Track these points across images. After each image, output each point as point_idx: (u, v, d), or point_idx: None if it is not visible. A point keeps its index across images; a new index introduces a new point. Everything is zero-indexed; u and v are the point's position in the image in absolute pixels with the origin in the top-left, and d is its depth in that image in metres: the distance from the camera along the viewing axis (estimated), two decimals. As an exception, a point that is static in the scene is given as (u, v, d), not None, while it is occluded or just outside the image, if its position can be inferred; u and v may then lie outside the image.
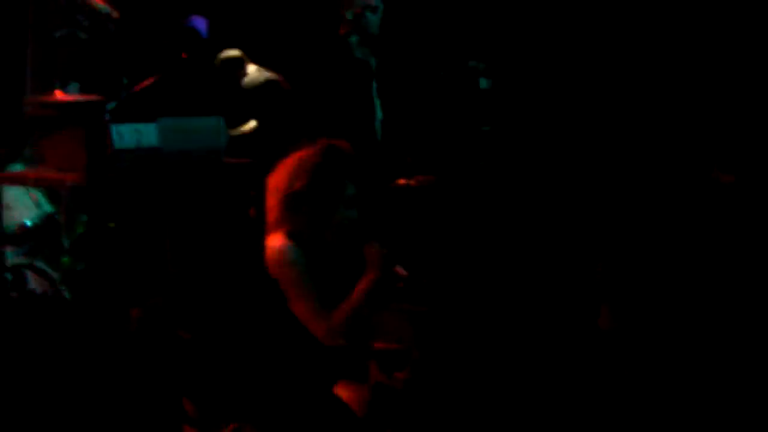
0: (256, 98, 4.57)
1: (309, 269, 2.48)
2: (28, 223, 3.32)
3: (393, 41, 4.59)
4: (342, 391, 2.49)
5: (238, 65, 4.69)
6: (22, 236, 3.36)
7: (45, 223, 3.21)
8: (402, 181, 4.30)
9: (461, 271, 3.96)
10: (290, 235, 2.50)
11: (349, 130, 4.18)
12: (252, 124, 4.51)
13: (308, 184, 2.47)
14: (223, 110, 3.71)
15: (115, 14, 4.25)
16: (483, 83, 4.64)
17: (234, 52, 4.70)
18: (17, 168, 3.33)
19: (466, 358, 2.81)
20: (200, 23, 4.58)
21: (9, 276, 3.17)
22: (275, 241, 2.50)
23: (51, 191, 3.26)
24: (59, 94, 3.88)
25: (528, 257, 4.02)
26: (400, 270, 3.22)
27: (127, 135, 3.10)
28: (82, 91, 4.07)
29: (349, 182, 2.70)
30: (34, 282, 3.19)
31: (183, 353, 2.65)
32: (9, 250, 3.26)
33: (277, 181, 2.56)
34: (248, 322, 2.85)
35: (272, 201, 2.59)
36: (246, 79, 4.67)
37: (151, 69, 4.28)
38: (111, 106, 3.24)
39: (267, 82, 4.62)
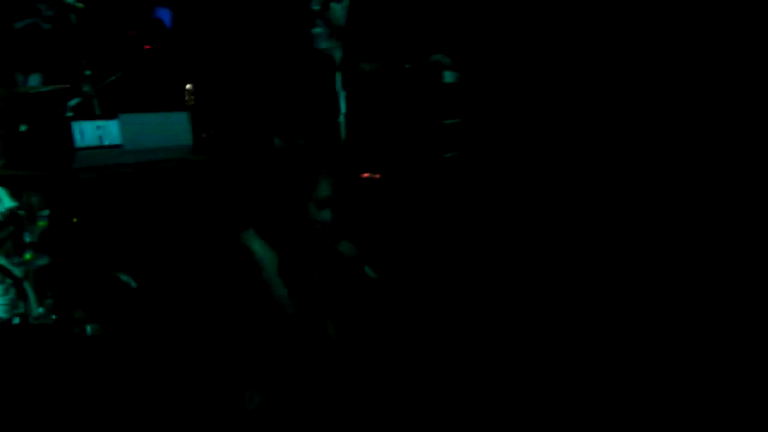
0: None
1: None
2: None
3: (358, 34, 4.60)
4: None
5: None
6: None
7: (7, 218, 3.20)
8: (366, 175, 4.36)
9: (423, 261, 4.06)
10: None
11: (312, 124, 4.22)
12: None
13: None
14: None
15: (78, 4, 4.19)
16: (448, 77, 4.69)
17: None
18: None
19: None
20: (164, 14, 4.55)
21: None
22: None
23: (12, 186, 3.26)
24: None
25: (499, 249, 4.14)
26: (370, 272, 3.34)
27: (89, 132, 3.10)
28: (45, 83, 4.04)
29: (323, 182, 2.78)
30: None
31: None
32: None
33: None
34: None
35: None
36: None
37: (114, 61, 4.25)
38: (73, 102, 3.23)
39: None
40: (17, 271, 3.20)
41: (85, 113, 3.26)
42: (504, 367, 3.05)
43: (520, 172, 4.61)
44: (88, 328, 3.18)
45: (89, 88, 3.92)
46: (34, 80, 4.18)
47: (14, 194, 3.29)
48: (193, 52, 4.60)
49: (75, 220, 3.67)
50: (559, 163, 4.58)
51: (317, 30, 4.39)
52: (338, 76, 4.42)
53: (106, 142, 3.07)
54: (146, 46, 4.29)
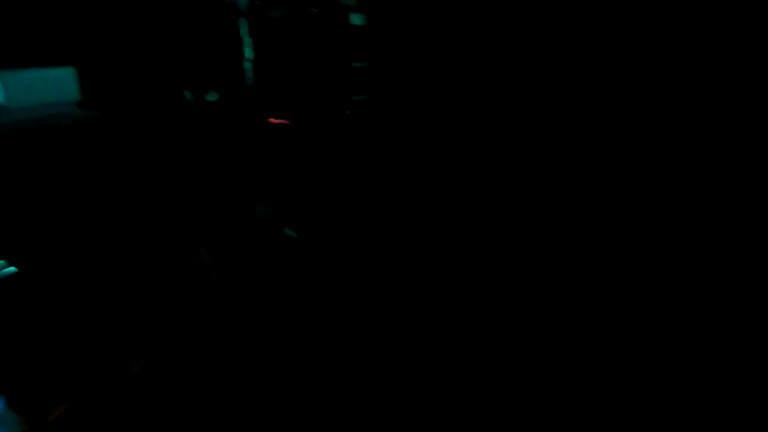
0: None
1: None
2: None
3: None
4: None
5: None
6: None
7: None
8: (275, 121, 4.41)
9: (337, 210, 4.16)
10: None
11: (216, 71, 4.21)
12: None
13: None
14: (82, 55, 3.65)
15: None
16: (355, 19, 4.68)
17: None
18: None
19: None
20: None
21: None
22: None
23: None
24: None
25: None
26: (289, 231, 3.41)
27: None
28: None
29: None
30: None
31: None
32: None
33: None
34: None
35: None
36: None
37: None
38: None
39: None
40: None
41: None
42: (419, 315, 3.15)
43: (429, 113, 4.65)
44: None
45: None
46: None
47: None
48: None
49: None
50: (465, 103, 4.62)
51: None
52: (242, 22, 4.40)
53: (-13, 101, 3.06)
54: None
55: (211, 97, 3.88)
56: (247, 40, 4.41)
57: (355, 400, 2.70)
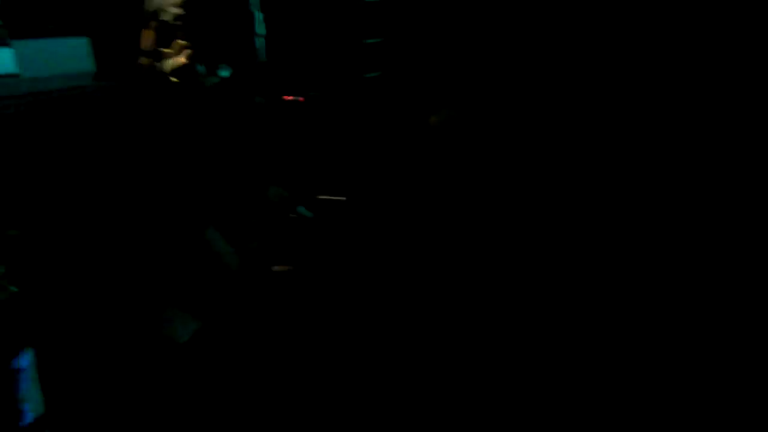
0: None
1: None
2: None
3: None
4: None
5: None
6: None
7: None
8: (289, 98, 4.32)
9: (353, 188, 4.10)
10: None
11: (227, 47, 4.11)
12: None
13: None
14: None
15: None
16: (367, -6, 4.61)
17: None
18: None
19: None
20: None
21: None
22: None
23: None
24: None
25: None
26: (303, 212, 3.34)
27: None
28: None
29: None
30: None
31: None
32: None
33: None
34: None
35: None
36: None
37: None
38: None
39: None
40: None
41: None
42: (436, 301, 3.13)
43: (441, 89, 4.60)
44: None
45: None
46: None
47: None
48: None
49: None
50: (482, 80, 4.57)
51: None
52: (253, -3, 4.30)
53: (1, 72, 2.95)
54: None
55: (224, 72, 3.78)
56: (258, 16, 4.31)
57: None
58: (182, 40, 3.64)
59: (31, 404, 2.19)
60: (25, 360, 2.22)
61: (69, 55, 3.18)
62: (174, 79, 3.51)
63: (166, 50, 3.39)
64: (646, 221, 3.77)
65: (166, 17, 3.41)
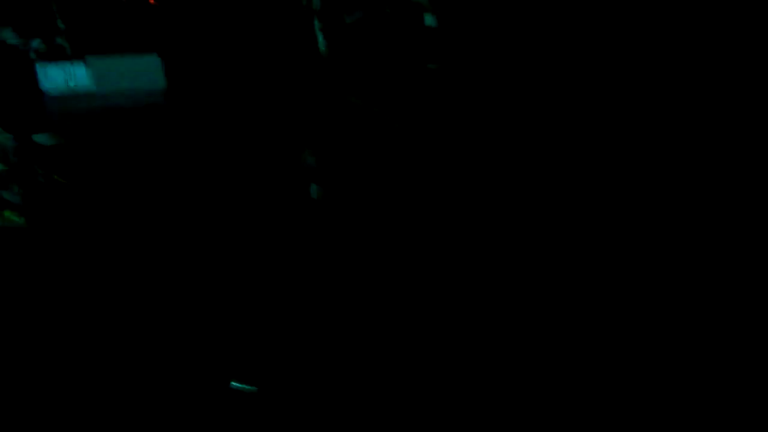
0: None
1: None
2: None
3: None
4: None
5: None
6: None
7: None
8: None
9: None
10: None
11: (289, 67, 4.17)
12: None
13: None
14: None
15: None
16: (428, 20, 4.60)
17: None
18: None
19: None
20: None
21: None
22: None
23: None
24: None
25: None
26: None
27: (55, 76, 3.03)
28: (17, 36, 3.95)
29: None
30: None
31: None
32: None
33: None
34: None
35: None
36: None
37: (87, 13, 4.15)
38: (37, 43, 3.12)
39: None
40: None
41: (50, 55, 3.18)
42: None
43: (499, 119, 4.54)
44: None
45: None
46: (7, 34, 4.10)
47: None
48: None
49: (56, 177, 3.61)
50: (543, 108, 4.51)
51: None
52: (316, 22, 4.36)
53: (76, 87, 3.00)
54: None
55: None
56: (320, 37, 4.38)
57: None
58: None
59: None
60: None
61: (141, 72, 3.23)
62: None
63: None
64: (645, 219, 3.76)
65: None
